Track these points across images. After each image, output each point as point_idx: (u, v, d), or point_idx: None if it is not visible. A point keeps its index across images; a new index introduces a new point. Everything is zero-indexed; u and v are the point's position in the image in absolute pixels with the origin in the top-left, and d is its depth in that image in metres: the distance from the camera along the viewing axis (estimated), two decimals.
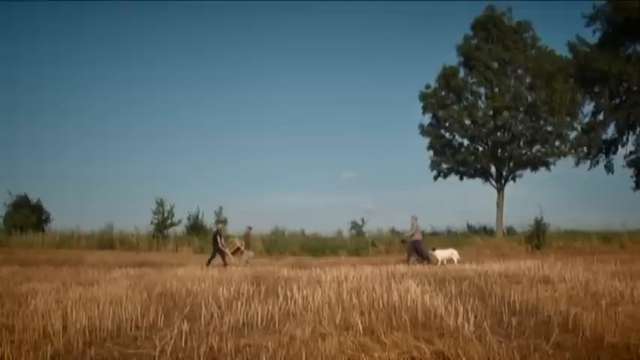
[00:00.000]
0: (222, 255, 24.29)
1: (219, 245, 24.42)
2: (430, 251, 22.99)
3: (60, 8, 75.82)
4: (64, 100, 75.87)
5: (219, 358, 5.46)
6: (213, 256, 24.24)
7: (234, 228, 40.76)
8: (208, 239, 36.82)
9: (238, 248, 25.20)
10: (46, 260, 24.97)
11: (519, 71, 41.01)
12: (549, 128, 40.28)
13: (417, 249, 23.78)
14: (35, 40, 76.05)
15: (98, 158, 73.77)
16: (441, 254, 21.89)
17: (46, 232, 40.24)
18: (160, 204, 39.77)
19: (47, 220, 42.80)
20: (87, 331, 6.36)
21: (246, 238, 26.23)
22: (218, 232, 25.18)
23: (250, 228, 27.34)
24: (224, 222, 25.73)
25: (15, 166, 66.10)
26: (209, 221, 41.17)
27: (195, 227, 40.26)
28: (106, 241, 37.14)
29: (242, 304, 7.82)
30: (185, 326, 6.38)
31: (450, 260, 21.45)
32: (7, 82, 73.53)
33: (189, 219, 40.85)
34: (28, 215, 40.33)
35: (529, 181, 43.41)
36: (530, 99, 40.30)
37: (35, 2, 72.11)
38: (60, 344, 5.80)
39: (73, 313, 7.20)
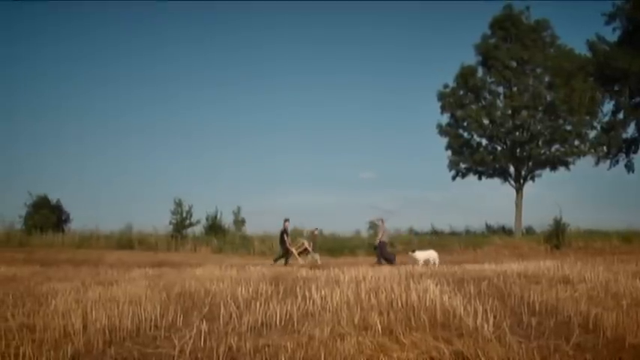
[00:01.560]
0: (288, 254, 24.07)
1: (287, 244, 24.22)
2: (410, 253, 22.97)
3: (78, 7, 76.36)
4: (84, 100, 76.46)
5: (238, 358, 5.46)
6: (281, 256, 24.10)
7: (253, 228, 41.11)
8: (227, 239, 37.06)
9: (305, 249, 25.11)
10: (65, 260, 25.15)
11: (538, 70, 40.83)
12: (568, 127, 40.08)
13: (381, 250, 24.06)
14: (54, 39, 76.69)
15: (117, 159, 74.24)
16: (420, 256, 21.91)
17: (66, 232, 40.61)
18: (179, 204, 39.97)
19: (67, 220, 43.21)
20: (107, 331, 6.38)
21: (313, 239, 26.16)
22: (285, 231, 24.85)
23: (317, 229, 27.22)
24: (289, 220, 25.25)
25: (35, 166, 66.71)
26: (227, 221, 41.36)
27: (214, 227, 40.39)
28: (125, 241, 37.40)
29: (261, 304, 7.82)
30: (204, 326, 6.39)
31: (427, 262, 21.43)
32: (27, 82, 74.20)
33: (207, 219, 41.03)
34: (48, 216, 40.69)
35: (548, 181, 43.26)
36: (549, 98, 40.11)
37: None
38: (80, 343, 5.83)
39: (93, 312, 7.23)
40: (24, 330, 6.43)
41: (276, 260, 23.41)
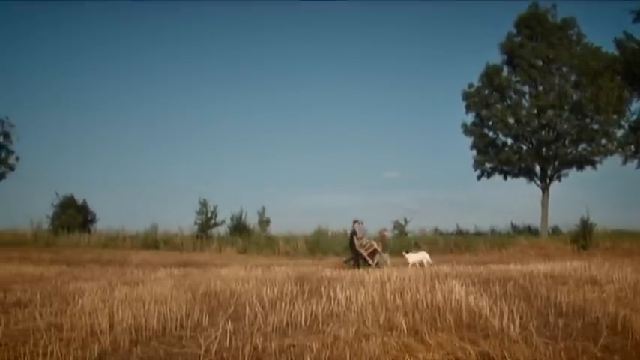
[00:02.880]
0: (358, 256, 23.81)
1: (357, 246, 23.95)
2: (404, 253, 23.06)
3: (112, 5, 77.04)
4: (110, 101, 77.05)
5: (264, 358, 5.48)
6: (351, 258, 23.97)
7: (278, 228, 41.19)
8: (252, 239, 37.15)
9: (375, 250, 25.08)
10: (92, 260, 25.45)
11: (564, 69, 40.39)
12: (595, 126, 39.60)
13: (357, 252, 23.95)
14: (83, 37, 77.44)
15: (143, 160, 74.73)
16: (412, 257, 21.91)
17: (92, 232, 40.94)
18: (204, 204, 40.09)
19: (93, 220, 43.53)
20: (133, 330, 6.44)
21: (383, 240, 26.14)
22: (354, 232, 24.56)
23: (386, 230, 27.17)
24: (360, 221, 25.21)
25: (62, 167, 67.39)
26: (252, 221, 41.45)
27: (239, 228, 40.46)
28: (151, 242, 37.61)
29: (286, 305, 7.85)
30: (229, 326, 6.42)
31: (421, 263, 21.38)
32: (55, 83, 74.98)
33: (232, 219, 41.10)
34: (75, 216, 41.04)
35: (575, 181, 42.69)
36: (575, 97, 39.66)
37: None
38: (107, 343, 5.88)
39: (119, 312, 7.30)
40: (52, 329, 6.51)
41: (346, 261, 23.25)
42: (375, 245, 24.45)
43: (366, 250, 23.84)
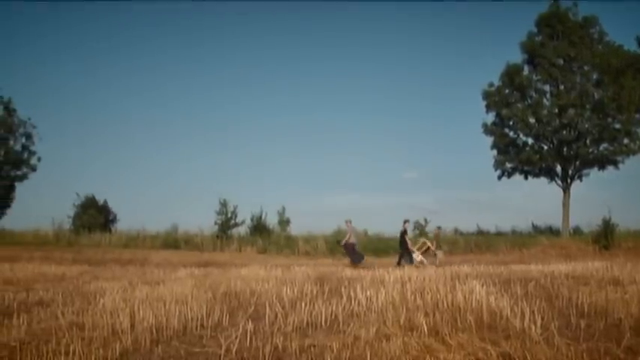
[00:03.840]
0: (410, 255, 23.91)
1: (408, 245, 24.19)
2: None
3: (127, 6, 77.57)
4: (130, 103, 77.63)
5: (284, 358, 5.48)
6: (402, 256, 23.98)
7: (298, 229, 41.25)
8: (272, 239, 37.22)
9: (428, 248, 25.18)
10: (113, 260, 25.58)
11: (586, 68, 40.08)
12: (617, 126, 39.26)
13: (349, 251, 24.42)
14: (105, 39, 78.00)
15: (163, 160, 75.20)
16: (415, 257, 21.94)
17: (113, 232, 41.27)
18: (224, 204, 40.26)
19: (114, 220, 43.92)
20: (154, 330, 6.47)
21: (436, 238, 26.21)
22: (404, 232, 24.82)
23: (439, 228, 27.20)
24: (409, 221, 25.51)
25: (83, 168, 67.96)
26: (272, 222, 41.56)
27: (259, 228, 40.59)
28: (171, 241, 37.84)
29: (306, 305, 7.85)
30: (250, 326, 6.43)
31: (422, 262, 21.41)
32: (75, 85, 75.59)
33: (252, 219, 41.26)
34: (96, 216, 41.41)
35: (596, 180, 42.51)
36: (597, 96, 39.35)
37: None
38: (128, 342, 5.91)
39: (140, 311, 7.33)
40: (74, 328, 6.56)
41: (399, 263, 23.31)
42: (428, 244, 24.65)
43: (418, 248, 24.06)
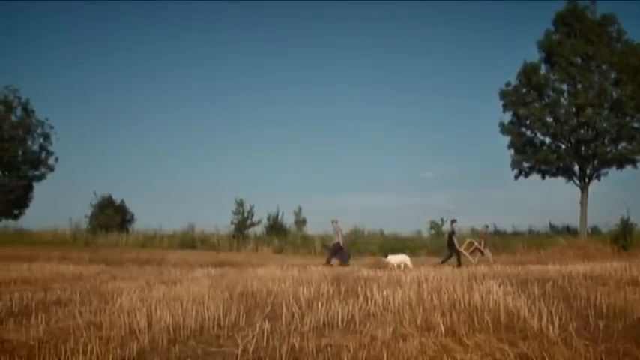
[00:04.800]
0: (458, 255, 23.92)
1: (456, 245, 24.17)
2: (382, 258, 23.14)
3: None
4: (147, 102, 77.99)
5: (301, 358, 5.48)
6: (450, 256, 24.03)
7: (314, 228, 41.26)
8: (288, 239, 37.27)
9: (476, 248, 25.20)
10: (130, 259, 25.73)
11: (604, 66, 39.71)
12: (636, 125, 38.90)
13: (335, 251, 24.58)
14: (120, 39, 78.39)
15: (180, 160, 75.47)
16: (392, 259, 21.81)
17: (130, 232, 41.50)
18: (240, 204, 40.36)
19: (131, 220, 44.16)
20: (171, 329, 6.49)
21: (484, 237, 26.20)
22: (452, 232, 24.88)
23: (487, 227, 27.17)
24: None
25: (100, 167, 68.36)
26: (288, 221, 41.61)
27: (275, 227, 40.64)
28: (188, 241, 38.00)
29: (322, 304, 7.85)
30: (266, 325, 6.44)
31: (399, 266, 21.23)
32: (93, 84, 76.04)
33: (268, 219, 41.32)
34: (113, 216, 41.66)
35: (615, 180, 42.18)
36: (615, 95, 38.99)
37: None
38: (145, 341, 5.94)
39: (158, 311, 7.37)
40: (91, 327, 6.60)
41: (443, 261, 23.37)
42: (476, 243, 24.62)
43: (465, 248, 24.08)
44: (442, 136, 79.44)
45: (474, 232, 33.04)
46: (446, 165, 75.08)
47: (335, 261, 24.16)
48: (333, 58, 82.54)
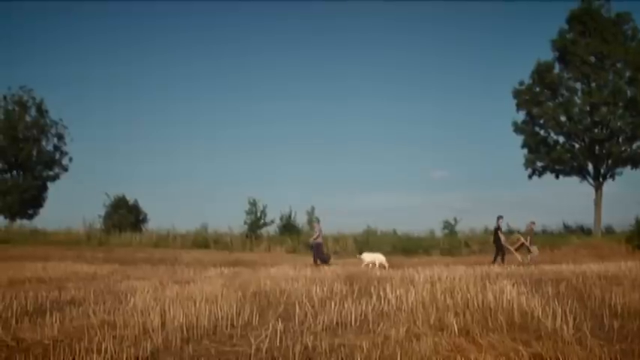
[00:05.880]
0: (503, 252, 23.93)
1: (502, 241, 24.18)
2: (357, 255, 23.53)
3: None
4: (160, 102, 78.23)
5: (314, 357, 5.48)
6: (497, 254, 23.91)
7: (327, 228, 41.23)
8: (301, 239, 37.27)
9: (522, 244, 25.19)
10: (143, 259, 25.79)
11: (618, 65, 39.52)
12: None
13: (317, 251, 24.31)
14: (134, 40, 78.68)
15: (193, 160, 75.68)
16: (366, 257, 21.82)
17: (143, 231, 41.62)
18: (253, 204, 40.43)
19: (144, 220, 44.25)
20: (184, 329, 6.50)
21: (530, 233, 26.16)
22: (498, 228, 24.80)
23: (533, 223, 27.25)
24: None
25: (113, 167, 68.67)
26: (301, 221, 41.61)
27: (288, 227, 40.68)
28: (201, 241, 38.07)
29: (335, 304, 7.84)
30: (280, 325, 6.44)
31: (373, 264, 21.20)
32: (106, 85, 76.37)
33: (281, 219, 41.34)
34: (126, 215, 41.82)
35: (629, 179, 41.92)
36: (630, 93, 38.78)
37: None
38: (159, 341, 5.95)
39: (171, 310, 7.38)
40: (105, 326, 6.61)
41: (494, 260, 23.24)
42: (522, 239, 24.58)
43: (512, 244, 24.08)
44: (455, 136, 79.32)
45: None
46: (459, 164, 74.96)
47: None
48: (346, 57, 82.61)
